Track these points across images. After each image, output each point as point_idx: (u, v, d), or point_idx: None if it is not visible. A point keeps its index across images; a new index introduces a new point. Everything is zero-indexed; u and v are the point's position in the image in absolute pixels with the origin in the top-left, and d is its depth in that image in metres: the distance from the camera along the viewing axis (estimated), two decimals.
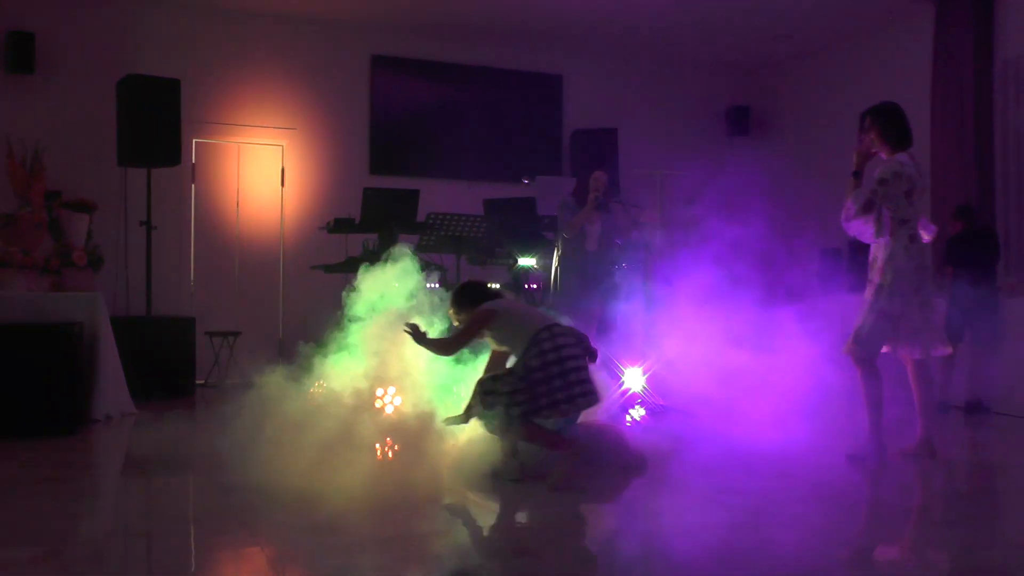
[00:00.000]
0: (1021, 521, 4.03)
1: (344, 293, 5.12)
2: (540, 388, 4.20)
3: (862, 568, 3.17)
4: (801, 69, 10.92)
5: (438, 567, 3.14)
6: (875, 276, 4.94)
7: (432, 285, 5.42)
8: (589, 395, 4.28)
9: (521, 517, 3.93)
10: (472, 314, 4.49)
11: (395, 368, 4.82)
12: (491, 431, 4.34)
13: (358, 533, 3.49)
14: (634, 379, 6.76)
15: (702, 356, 6.92)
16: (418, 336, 4.44)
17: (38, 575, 2.92)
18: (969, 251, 7.36)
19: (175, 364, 7.49)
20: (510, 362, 4.53)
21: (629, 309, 6.77)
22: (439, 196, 8.68)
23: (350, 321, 5.04)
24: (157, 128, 7.66)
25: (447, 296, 5.00)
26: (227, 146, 9.21)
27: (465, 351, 4.75)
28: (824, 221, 9.41)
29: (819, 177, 9.97)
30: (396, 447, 4.47)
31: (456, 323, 4.65)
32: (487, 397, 4.26)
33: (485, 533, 3.68)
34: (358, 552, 3.17)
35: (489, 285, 4.77)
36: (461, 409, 4.46)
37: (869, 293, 4.96)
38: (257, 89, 9.33)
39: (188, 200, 9.02)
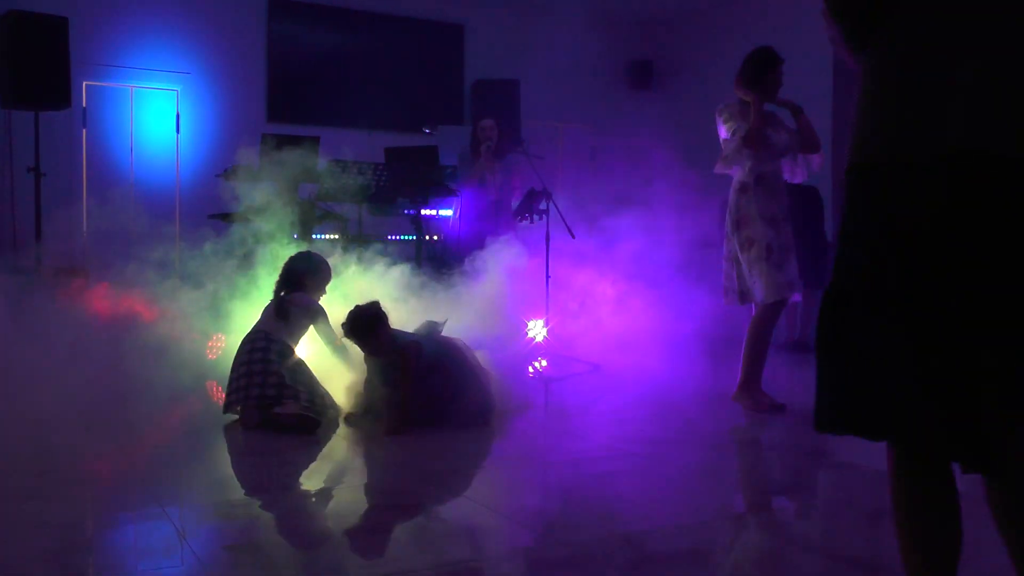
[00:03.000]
0: None
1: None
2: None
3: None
4: (702, 23, 11.02)
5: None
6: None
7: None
8: None
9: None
10: (389, 346, 4.61)
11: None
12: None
13: None
14: (537, 330, 6.84)
15: (601, 309, 7.07)
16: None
17: None
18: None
19: None
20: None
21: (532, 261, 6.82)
22: (340, 145, 8.50)
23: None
24: (44, 69, 7.36)
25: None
26: (119, 90, 8.92)
27: None
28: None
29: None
30: None
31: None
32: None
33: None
34: None
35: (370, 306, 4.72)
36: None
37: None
38: (150, 32, 9.05)
39: (79, 146, 8.73)
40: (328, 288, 5.16)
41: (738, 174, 5.10)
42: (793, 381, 6.01)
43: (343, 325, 4.59)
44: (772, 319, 5.06)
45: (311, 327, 4.91)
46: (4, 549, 2.80)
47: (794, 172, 5.28)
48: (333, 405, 4.80)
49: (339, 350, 4.92)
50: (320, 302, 5.00)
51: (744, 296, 5.09)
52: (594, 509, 3.33)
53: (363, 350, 4.67)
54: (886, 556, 2.53)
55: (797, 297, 5.13)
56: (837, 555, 2.87)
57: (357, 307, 4.64)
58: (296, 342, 4.83)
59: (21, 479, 3.59)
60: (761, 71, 5.04)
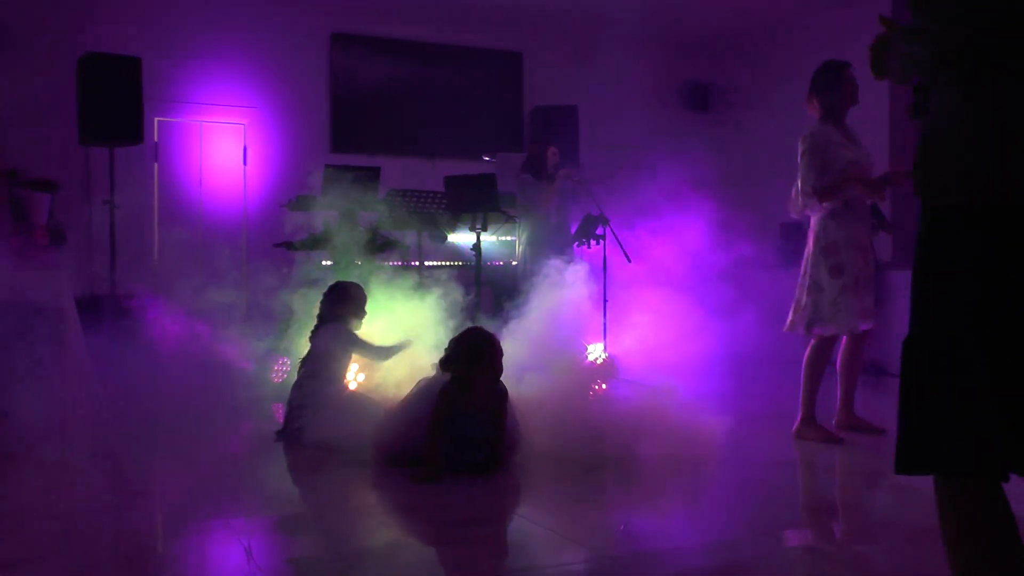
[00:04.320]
0: None
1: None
2: None
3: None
4: (760, 44, 11.04)
5: None
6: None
7: None
8: None
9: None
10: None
11: None
12: None
13: None
14: (597, 354, 6.91)
15: (664, 331, 7.11)
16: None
17: None
18: None
19: None
20: None
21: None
22: (400, 173, 8.75)
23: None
24: (119, 107, 7.65)
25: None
26: (189, 125, 9.23)
27: None
28: (782, 195, 9.58)
29: (779, 152, 10.10)
30: None
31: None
32: None
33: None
34: None
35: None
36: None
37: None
38: (218, 69, 9.34)
39: (151, 178, 9.03)
40: (381, 314, 5.37)
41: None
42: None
43: (470, 345, 4.15)
44: (829, 350, 5.03)
45: (352, 353, 5.15)
46: (83, 555, 2.97)
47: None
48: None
49: (386, 352, 5.12)
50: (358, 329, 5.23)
51: (811, 326, 4.95)
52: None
53: (473, 381, 4.12)
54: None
55: (866, 326, 4.99)
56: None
57: (477, 329, 4.32)
58: (332, 369, 5.07)
59: (99, 492, 3.79)
60: (834, 76, 4.96)
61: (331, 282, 5.51)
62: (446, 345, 4.31)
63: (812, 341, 5.02)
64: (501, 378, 4.24)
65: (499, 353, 4.18)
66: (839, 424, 5.16)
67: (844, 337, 5.07)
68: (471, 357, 4.12)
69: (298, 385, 5.01)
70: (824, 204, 4.88)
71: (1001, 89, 1.83)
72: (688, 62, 11.55)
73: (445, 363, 4.20)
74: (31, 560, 2.92)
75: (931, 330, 1.91)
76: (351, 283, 5.37)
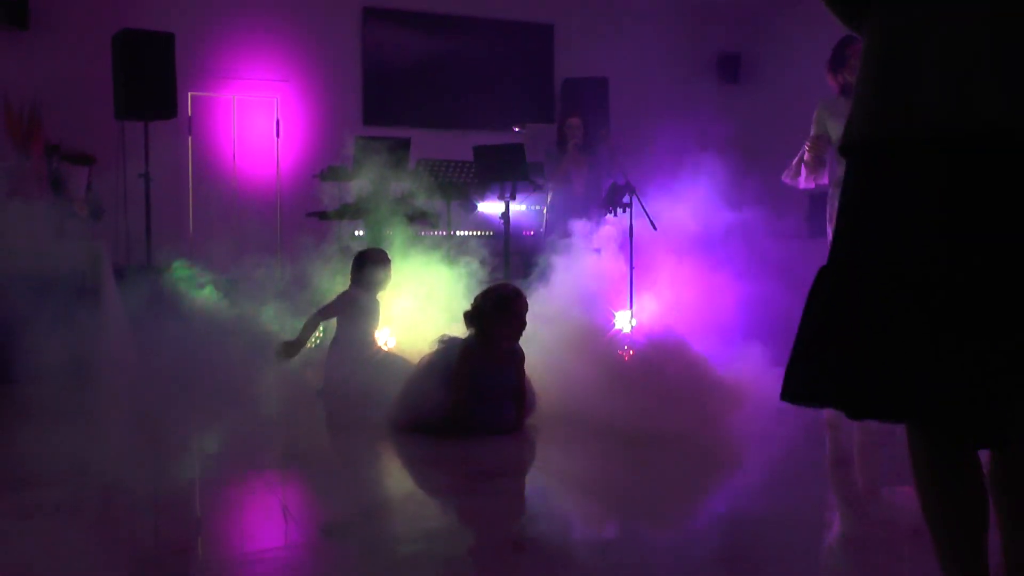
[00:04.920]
0: None
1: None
2: None
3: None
4: (791, 13, 10.96)
5: None
6: None
7: None
8: None
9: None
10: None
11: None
12: None
13: None
14: (624, 321, 6.95)
15: (689, 300, 7.14)
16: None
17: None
18: None
19: None
20: None
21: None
22: (431, 145, 8.79)
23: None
24: (153, 82, 7.76)
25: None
26: (222, 99, 9.34)
27: None
28: None
29: (809, 122, 10.05)
30: None
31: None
32: None
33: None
34: None
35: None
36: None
37: None
38: (250, 44, 9.44)
39: (185, 152, 9.17)
40: (410, 282, 5.51)
41: (836, 168, 5.02)
42: None
43: (499, 297, 4.23)
44: None
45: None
46: (118, 506, 3.09)
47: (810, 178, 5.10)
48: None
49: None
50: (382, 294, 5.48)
51: None
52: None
53: (498, 339, 4.20)
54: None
55: None
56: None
57: (505, 284, 4.51)
58: (357, 332, 5.31)
59: (137, 446, 3.92)
60: (841, 51, 5.00)
61: (358, 250, 5.64)
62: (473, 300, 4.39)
63: None
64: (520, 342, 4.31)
65: (524, 307, 4.25)
66: None
67: None
68: (499, 305, 4.17)
69: (334, 346, 5.27)
70: (802, 178, 4.94)
71: (895, 22, 1.84)
72: (719, 32, 11.50)
73: (470, 316, 4.26)
74: (68, 511, 3.04)
75: (841, 260, 1.89)
76: (372, 249, 5.51)
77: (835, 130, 4.87)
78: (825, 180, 5.10)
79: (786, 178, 5.18)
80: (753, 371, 5.31)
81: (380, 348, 5.32)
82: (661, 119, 8.86)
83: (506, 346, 4.21)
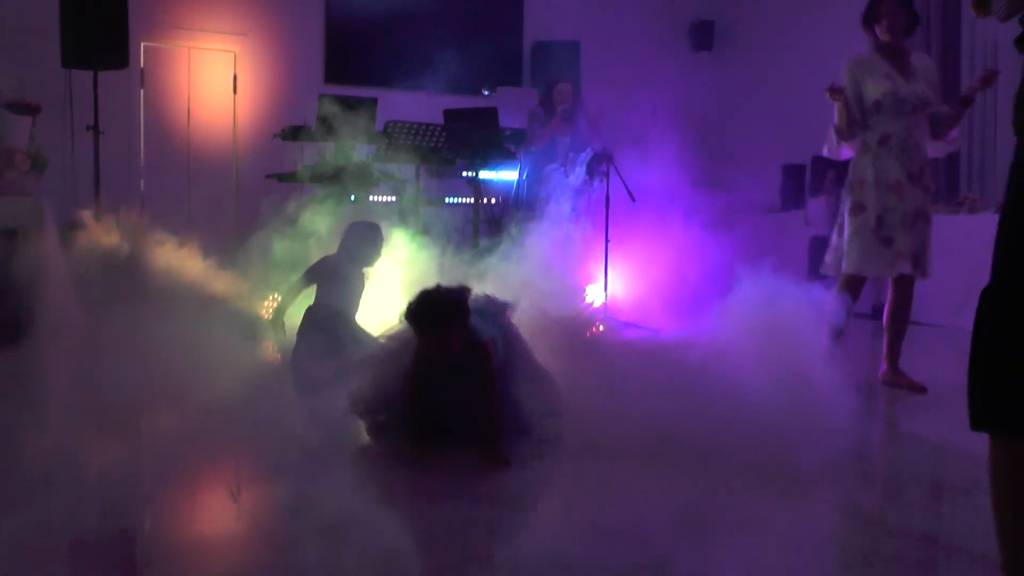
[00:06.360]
0: None
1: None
2: None
3: None
4: None
5: None
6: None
7: None
8: None
9: None
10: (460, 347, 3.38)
11: None
12: None
13: None
14: (596, 295, 6.74)
15: (659, 273, 6.94)
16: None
17: None
18: None
19: None
20: None
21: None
22: (398, 106, 8.48)
23: None
24: (103, 30, 7.35)
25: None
26: (177, 51, 8.94)
27: None
28: (784, 137, 9.39)
29: (783, 93, 9.87)
30: None
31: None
32: None
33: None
34: None
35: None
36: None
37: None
38: None
39: (137, 105, 8.77)
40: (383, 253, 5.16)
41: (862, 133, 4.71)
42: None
43: (409, 310, 3.35)
44: (854, 288, 4.77)
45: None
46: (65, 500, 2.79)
47: (936, 147, 4.78)
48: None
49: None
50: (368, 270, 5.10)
51: (838, 267, 4.73)
52: None
53: (425, 347, 3.39)
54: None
55: (907, 269, 4.60)
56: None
57: (436, 290, 3.43)
58: (323, 300, 5.00)
59: (83, 430, 3.62)
60: (874, 6, 4.64)
61: (325, 214, 5.31)
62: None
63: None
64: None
65: (441, 319, 3.34)
66: (884, 379, 4.90)
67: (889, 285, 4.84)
68: (411, 320, 3.37)
69: (307, 315, 4.93)
70: (844, 142, 4.67)
71: None
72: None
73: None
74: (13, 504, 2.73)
75: (1009, 279, 1.72)
76: (364, 222, 5.14)
77: (875, 90, 4.57)
78: None
79: (826, 152, 4.87)
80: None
81: (359, 326, 4.94)
82: (632, 85, 8.66)
83: (438, 364, 3.45)
